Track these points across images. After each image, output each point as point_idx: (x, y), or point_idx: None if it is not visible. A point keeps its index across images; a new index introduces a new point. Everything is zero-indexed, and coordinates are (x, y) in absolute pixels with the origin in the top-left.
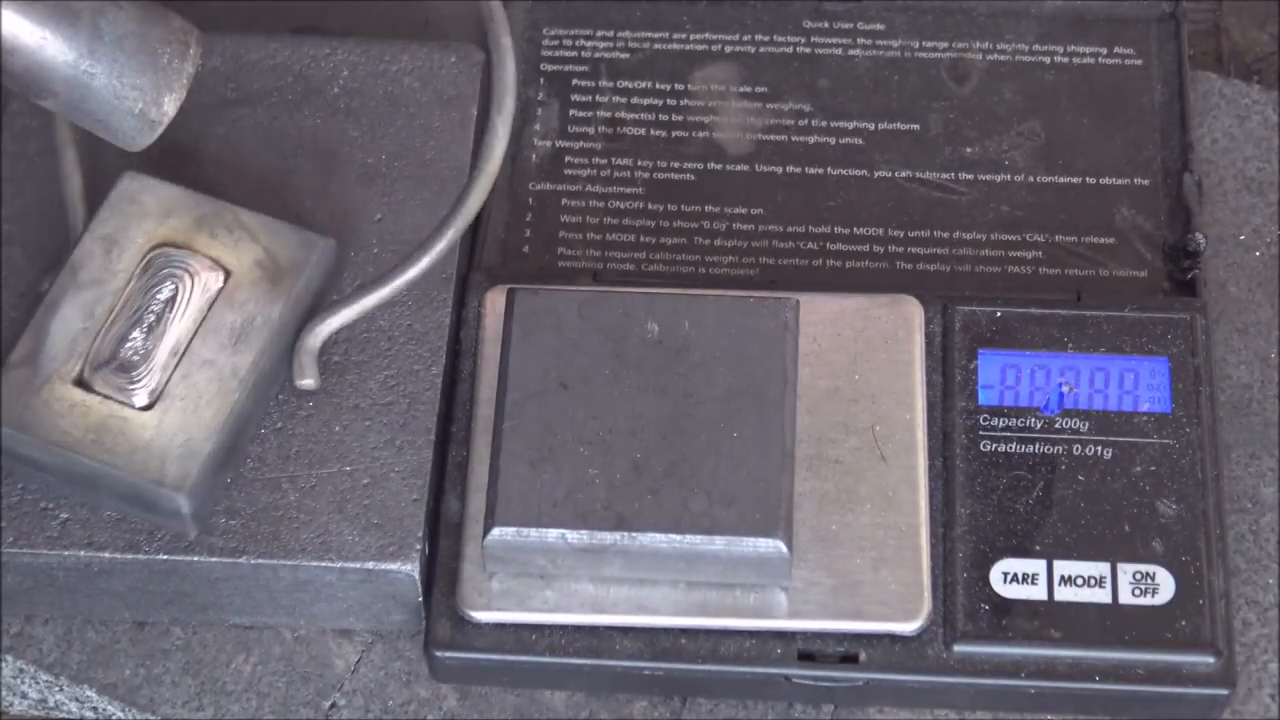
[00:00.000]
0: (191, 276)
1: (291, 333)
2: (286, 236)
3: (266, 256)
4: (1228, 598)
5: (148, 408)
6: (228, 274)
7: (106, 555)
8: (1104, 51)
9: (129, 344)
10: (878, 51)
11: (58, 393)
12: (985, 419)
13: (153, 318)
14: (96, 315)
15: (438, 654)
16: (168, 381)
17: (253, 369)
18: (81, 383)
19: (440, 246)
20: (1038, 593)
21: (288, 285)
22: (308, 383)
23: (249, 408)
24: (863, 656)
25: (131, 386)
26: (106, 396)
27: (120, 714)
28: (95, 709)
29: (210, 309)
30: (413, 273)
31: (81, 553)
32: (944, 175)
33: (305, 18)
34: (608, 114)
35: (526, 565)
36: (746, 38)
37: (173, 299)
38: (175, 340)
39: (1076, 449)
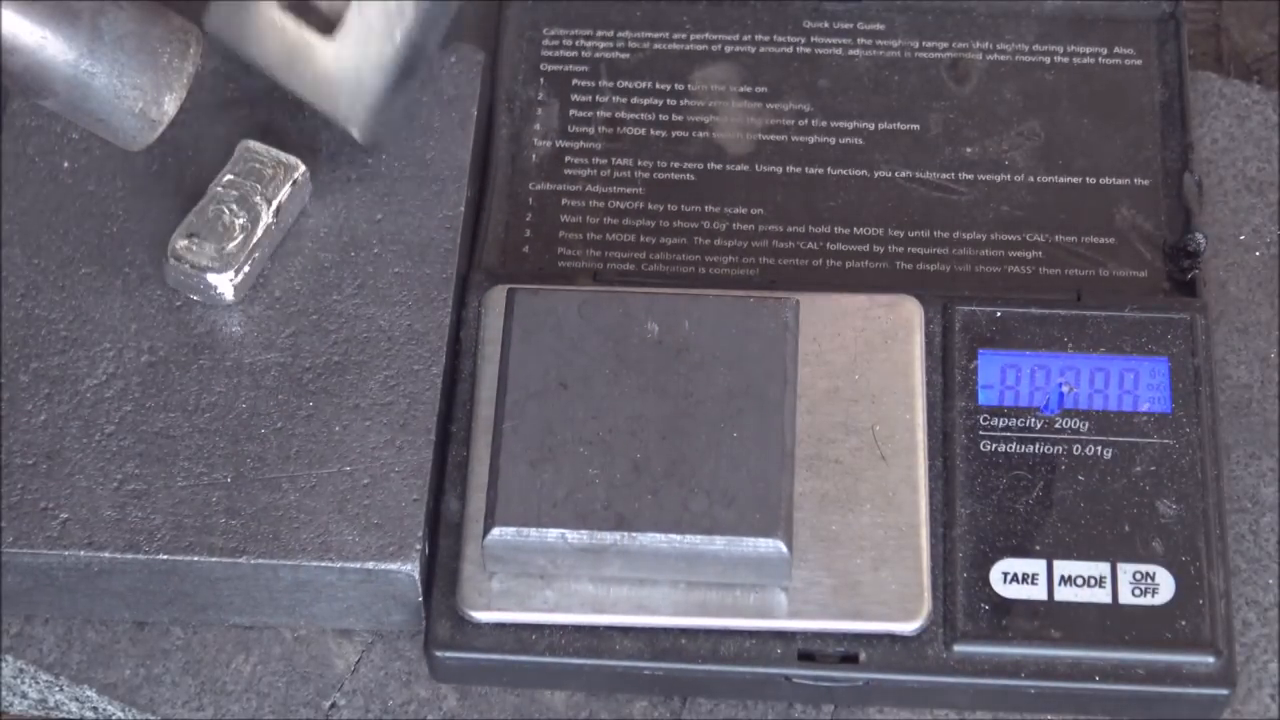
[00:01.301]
0: None
1: None
2: None
3: None
4: (1228, 598)
5: (329, 36)
6: None
7: (106, 555)
8: (1104, 51)
9: None
10: (878, 51)
11: (264, 11)
12: (985, 419)
13: None
14: None
15: (438, 654)
16: (346, 10)
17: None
18: None
19: None
20: (1038, 593)
21: None
22: None
23: (419, 37)
24: (863, 656)
25: (314, 12)
26: (299, 19)
27: (120, 714)
28: (95, 709)
29: None
30: None
31: (81, 553)
32: (944, 175)
33: None
34: (608, 114)
35: (526, 565)
36: (746, 38)
37: None
38: None
39: (1076, 449)
